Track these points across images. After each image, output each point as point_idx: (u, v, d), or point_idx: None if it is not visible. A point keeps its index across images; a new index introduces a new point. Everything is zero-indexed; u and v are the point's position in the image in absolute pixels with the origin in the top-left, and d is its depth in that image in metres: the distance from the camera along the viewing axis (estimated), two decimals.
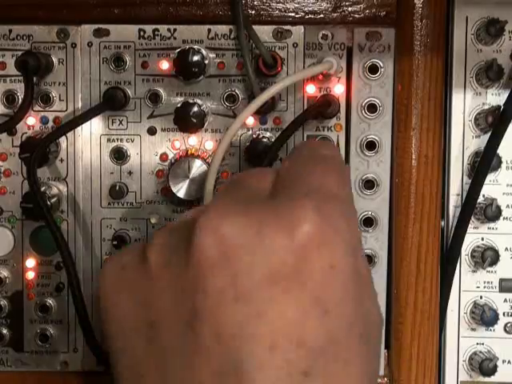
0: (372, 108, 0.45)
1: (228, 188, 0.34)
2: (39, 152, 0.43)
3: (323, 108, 0.44)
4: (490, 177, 0.46)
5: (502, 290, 0.47)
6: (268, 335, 0.27)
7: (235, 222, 0.28)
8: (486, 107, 0.46)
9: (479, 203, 0.46)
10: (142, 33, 0.45)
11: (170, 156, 0.46)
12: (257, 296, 0.27)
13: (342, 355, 0.28)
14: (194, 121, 0.45)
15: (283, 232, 0.27)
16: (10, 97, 0.46)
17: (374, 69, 0.45)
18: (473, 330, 0.47)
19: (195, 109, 0.45)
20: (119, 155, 0.46)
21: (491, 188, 0.47)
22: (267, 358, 0.27)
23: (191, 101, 0.45)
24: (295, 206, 0.28)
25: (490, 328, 0.47)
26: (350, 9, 0.46)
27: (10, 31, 0.46)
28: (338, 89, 0.45)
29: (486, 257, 0.46)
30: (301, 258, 0.27)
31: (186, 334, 0.28)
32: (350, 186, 0.34)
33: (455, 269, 0.47)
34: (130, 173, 0.46)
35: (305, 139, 0.45)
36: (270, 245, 0.27)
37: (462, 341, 0.47)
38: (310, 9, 0.46)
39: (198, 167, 0.44)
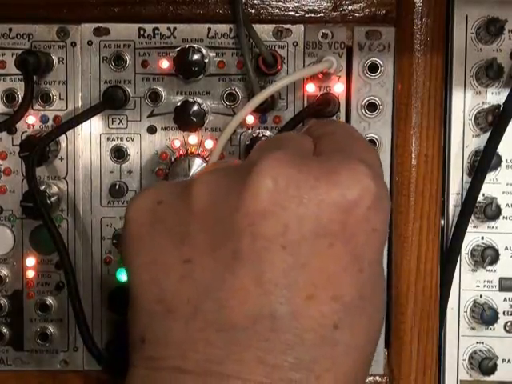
0: (372, 107, 0.45)
1: (269, 144, 0.34)
2: (38, 151, 0.43)
3: (323, 107, 0.44)
4: (490, 176, 0.46)
5: (501, 288, 0.47)
6: (307, 286, 0.28)
7: (292, 173, 0.29)
8: (486, 106, 0.46)
9: (479, 202, 0.46)
10: (142, 32, 0.45)
11: (170, 155, 0.46)
12: (303, 247, 0.28)
13: (367, 311, 0.29)
14: (194, 120, 0.45)
15: (338, 189, 0.29)
16: (9, 95, 0.46)
17: (373, 68, 0.45)
18: (473, 328, 0.47)
19: (195, 108, 0.45)
20: (119, 154, 0.46)
21: (491, 187, 0.47)
22: (303, 307, 0.28)
23: (191, 100, 0.45)
24: (352, 168, 0.29)
25: (490, 327, 0.47)
26: (349, 8, 0.46)
27: (10, 30, 0.46)
28: (338, 88, 0.45)
29: (486, 256, 0.46)
30: (349, 216, 0.29)
31: (224, 275, 0.28)
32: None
33: (455, 268, 0.47)
34: (129, 172, 0.46)
35: None
36: (322, 200, 0.28)
37: (461, 340, 0.47)
38: (310, 8, 0.46)
39: (197, 166, 0.44)
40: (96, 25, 0.45)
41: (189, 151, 0.45)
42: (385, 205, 0.30)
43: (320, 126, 0.37)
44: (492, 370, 0.46)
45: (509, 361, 0.47)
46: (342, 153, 0.32)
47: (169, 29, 0.45)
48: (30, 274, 0.47)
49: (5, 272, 0.47)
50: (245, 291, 0.28)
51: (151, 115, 0.46)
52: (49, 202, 0.45)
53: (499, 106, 0.45)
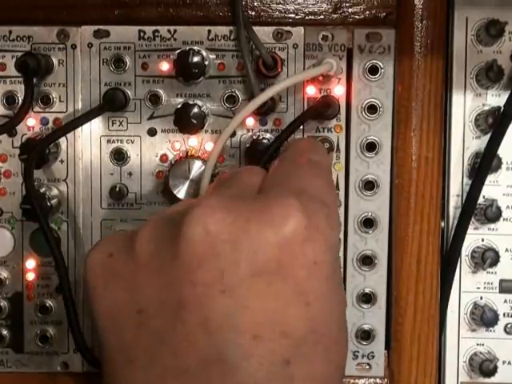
0: (372, 109, 0.45)
1: (218, 184, 0.35)
2: (36, 153, 0.43)
3: (323, 109, 0.44)
4: (491, 178, 0.46)
5: (502, 290, 0.47)
6: (252, 326, 0.28)
7: (223, 219, 0.29)
8: (486, 108, 0.46)
9: (479, 204, 0.46)
10: (142, 34, 0.45)
11: (170, 157, 0.46)
12: (242, 289, 0.28)
13: (321, 343, 0.30)
14: (194, 122, 0.45)
15: (269, 228, 0.29)
16: (10, 98, 0.46)
17: (374, 70, 0.45)
18: (473, 330, 0.47)
19: (195, 110, 0.45)
20: (119, 156, 0.46)
21: (491, 189, 0.47)
22: (251, 347, 0.28)
23: (191, 102, 0.45)
24: (282, 204, 0.30)
25: (490, 329, 0.47)
26: (350, 10, 0.46)
27: (10, 32, 0.46)
28: (338, 90, 0.45)
29: (486, 258, 0.46)
30: (285, 253, 0.29)
31: (173, 322, 0.29)
32: (334, 192, 0.36)
33: (455, 270, 0.47)
34: (130, 174, 0.46)
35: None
36: (255, 240, 0.29)
37: (462, 341, 0.47)
38: (310, 10, 0.46)
39: (198, 168, 0.44)
40: (96, 27, 0.45)
41: (189, 153, 0.45)
42: (325, 235, 0.30)
43: (284, 152, 0.38)
44: (492, 371, 0.46)
45: (509, 363, 0.47)
46: (279, 186, 0.33)
47: (169, 31, 0.45)
48: (30, 276, 0.47)
49: (5, 274, 0.47)
50: (193, 337, 0.28)
51: (151, 117, 0.46)
52: (49, 204, 0.45)
53: (499, 107, 0.45)
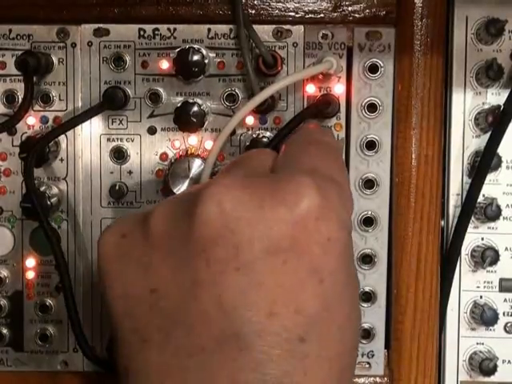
0: (372, 108, 0.45)
1: (231, 166, 0.36)
2: (36, 151, 0.43)
3: (323, 107, 0.44)
4: (490, 176, 0.46)
5: (501, 289, 0.47)
6: (267, 303, 0.28)
7: (237, 196, 0.29)
8: (486, 107, 0.46)
9: (479, 203, 0.46)
10: (142, 32, 0.45)
11: (170, 155, 0.46)
12: (257, 266, 0.29)
13: (335, 321, 0.30)
14: (194, 120, 0.45)
15: (283, 205, 0.29)
16: (9, 96, 0.46)
17: (374, 68, 0.45)
18: (473, 329, 0.47)
19: (195, 108, 0.45)
20: (119, 155, 0.46)
21: (491, 188, 0.47)
22: (266, 324, 0.28)
23: (191, 100, 0.45)
24: (296, 182, 0.30)
25: (490, 328, 0.47)
26: (350, 8, 0.46)
27: (10, 31, 0.46)
28: (338, 88, 0.45)
29: (486, 256, 0.46)
30: (299, 230, 0.29)
31: (187, 301, 0.29)
32: (345, 172, 0.36)
33: (455, 268, 0.47)
34: (129, 172, 0.46)
35: None
36: (270, 217, 0.29)
37: (461, 340, 0.47)
38: (310, 8, 0.46)
39: (197, 167, 0.44)
40: (96, 25, 0.45)
41: (189, 152, 0.45)
42: (337, 212, 0.30)
43: (293, 134, 0.38)
44: (492, 370, 0.46)
45: (509, 362, 0.47)
46: (292, 166, 0.33)
47: (169, 29, 0.45)
48: (30, 274, 0.47)
49: (5, 273, 0.47)
50: (207, 315, 0.28)
51: (151, 116, 0.46)
52: (49, 202, 0.45)
53: (499, 106, 0.45)
